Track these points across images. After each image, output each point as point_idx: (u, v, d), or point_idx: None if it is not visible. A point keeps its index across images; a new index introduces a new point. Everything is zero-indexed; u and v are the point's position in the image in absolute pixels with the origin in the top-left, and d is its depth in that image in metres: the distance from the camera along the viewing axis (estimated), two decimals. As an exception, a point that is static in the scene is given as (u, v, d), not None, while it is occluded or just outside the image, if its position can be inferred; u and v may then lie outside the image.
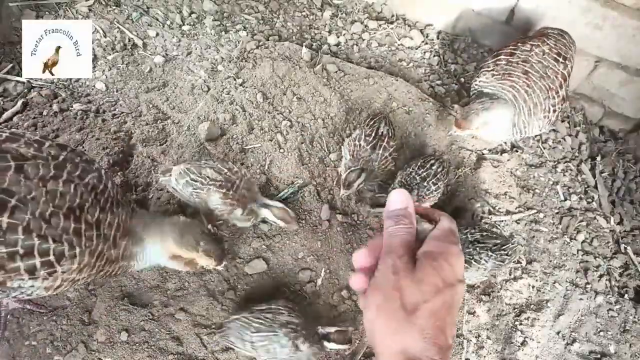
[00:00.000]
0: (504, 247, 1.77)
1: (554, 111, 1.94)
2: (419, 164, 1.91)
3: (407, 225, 0.77)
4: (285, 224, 1.75)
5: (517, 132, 1.98)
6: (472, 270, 1.76)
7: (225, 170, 1.70)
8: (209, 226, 1.52)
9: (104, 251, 1.29)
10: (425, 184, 1.86)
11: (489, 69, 1.97)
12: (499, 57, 1.98)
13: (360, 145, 1.91)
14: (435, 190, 1.88)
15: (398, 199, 0.79)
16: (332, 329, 1.59)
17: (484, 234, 1.81)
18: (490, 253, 1.74)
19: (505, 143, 2.27)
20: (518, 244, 1.82)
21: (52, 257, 1.15)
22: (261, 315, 1.54)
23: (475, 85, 2.02)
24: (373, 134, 1.91)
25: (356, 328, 1.71)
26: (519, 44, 1.98)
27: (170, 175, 1.72)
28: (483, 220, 2.05)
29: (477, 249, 1.75)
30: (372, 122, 1.97)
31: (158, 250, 1.46)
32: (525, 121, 1.93)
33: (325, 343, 1.58)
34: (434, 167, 1.89)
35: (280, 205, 1.74)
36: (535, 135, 2.26)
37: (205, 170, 1.68)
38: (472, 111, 1.90)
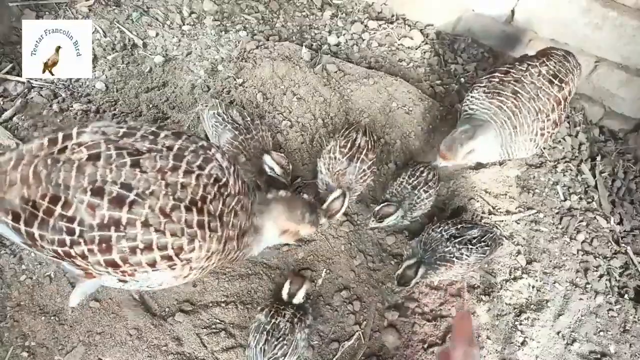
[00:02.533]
0: (483, 239, 1.75)
1: (542, 135, 1.86)
2: (409, 172, 1.89)
3: None
4: (280, 170, 1.82)
5: (504, 153, 1.91)
6: (455, 268, 1.73)
7: (249, 119, 1.88)
8: (306, 195, 1.61)
9: (232, 236, 1.28)
10: (416, 192, 1.84)
11: (482, 85, 1.90)
12: (493, 75, 1.91)
13: (335, 157, 1.80)
14: (427, 198, 1.86)
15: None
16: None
17: (459, 226, 1.78)
18: (470, 247, 1.72)
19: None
20: (496, 228, 1.75)
21: (170, 252, 1.14)
22: (275, 341, 1.52)
23: (467, 100, 1.94)
24: (349, 145, 1.81)
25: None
26: (516, 63, 1.91)
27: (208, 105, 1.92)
28: (483, 220, 2.04)
29: (456, 245, 1.72)
30: (347, 132, 1.87)
31: (271, 230, 1.47)
32: (511, 143, 1.86)
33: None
34: (424, 175, 1.86)
35: (280, 154, 1.87)
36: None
37: (233, 111, 1.88)
38: (456, 142, 1.83)
